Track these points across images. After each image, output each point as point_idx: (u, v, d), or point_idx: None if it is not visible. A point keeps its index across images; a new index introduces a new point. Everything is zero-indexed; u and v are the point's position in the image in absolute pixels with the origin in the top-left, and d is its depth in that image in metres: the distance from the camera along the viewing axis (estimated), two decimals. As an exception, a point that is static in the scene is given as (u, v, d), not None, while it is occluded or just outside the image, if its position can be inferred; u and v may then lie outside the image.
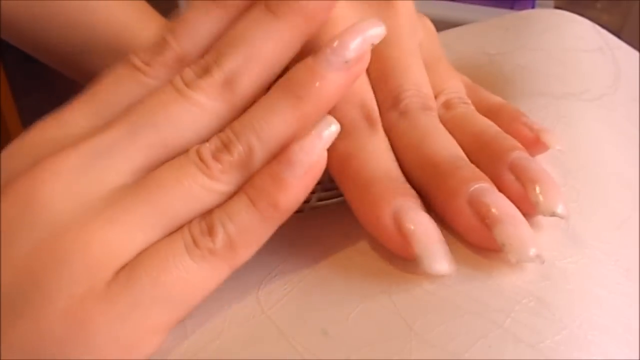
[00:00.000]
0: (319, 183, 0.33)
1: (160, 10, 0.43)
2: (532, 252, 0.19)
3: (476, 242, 0.20)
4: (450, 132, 0.23)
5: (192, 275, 0.19)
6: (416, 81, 0.24)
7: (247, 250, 0.20)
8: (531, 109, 0.28)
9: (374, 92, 0.24)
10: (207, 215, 0.19)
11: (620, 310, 0.19)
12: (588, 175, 0.24)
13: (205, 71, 0.20)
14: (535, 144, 0.23)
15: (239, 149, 0.19)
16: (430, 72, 0.25)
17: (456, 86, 0.26)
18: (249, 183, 0.20)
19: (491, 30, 0.36)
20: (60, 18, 0.38)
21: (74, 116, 0.21)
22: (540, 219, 0.21)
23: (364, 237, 0.22)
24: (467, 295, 0.19)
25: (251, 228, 0.19)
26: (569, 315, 0.18)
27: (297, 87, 0.20)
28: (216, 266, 0.19)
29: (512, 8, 0.86)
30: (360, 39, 0.20)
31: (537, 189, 0.20)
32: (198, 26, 0.21)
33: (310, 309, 0.20)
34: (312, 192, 0.32)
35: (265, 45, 0.20)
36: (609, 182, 0.24)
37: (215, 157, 0.19)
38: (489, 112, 0.25)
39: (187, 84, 0.20)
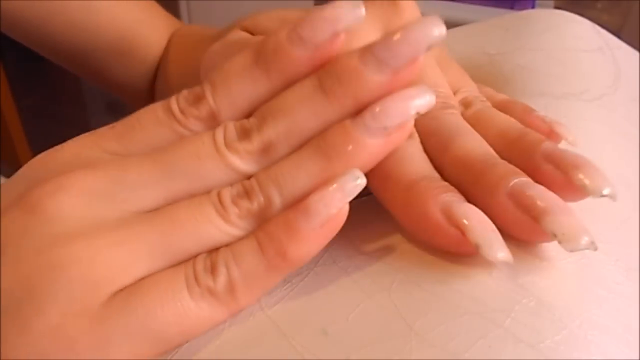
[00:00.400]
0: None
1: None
2: (585, 240, 0.18)
3: (523, 236, 0.20)
4: (474, 129, 0.23)
5: (188, 313, 0.18)
6: (434, 82, 0.24)
7: (247, 297, 0.19)
8: (531, 109, 0.28)
9: None
10: (213, 252, 0.19)
11: (620, 310, 0.19)
12: (588, 175, 0.24)
13: (246, 134, 0.20)
14: (549, 135, 0.23)
15: (259, 199, 0.19)
16: (443, 72, 0.25)
17: (470, 84, 0.26)
18: (261, 227, 0.19)
19: (491, 30, 0.36)
20: (62, 18, 0.38)
21: (103, 141, 0.21)
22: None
23: (364, 237, 0.22)
24: (467, 295, 0.19)
25: (255, 274, 0.19)
26: (568, 315, 0.18)
27: (330, 149, 0.19)
28: (214, 308, 0.19)
29: (512, 8, 0.86)
30: (405, 106, 0.19)
31: (581, 175, 0.20)
32: (238, 87, 0.21)
33: (310, 308, 0.20)
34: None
35: (310, 121, 0.20)
36: (609, 182, 0.24)
37: (235, 202, 0.19)
38: (500, 108, 0.25)
39: (226, 143, 0.20)
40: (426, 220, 0.20)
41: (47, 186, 0.19)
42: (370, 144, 0.19)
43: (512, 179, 0.20)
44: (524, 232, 0.20)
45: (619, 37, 0.34)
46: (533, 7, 0.88)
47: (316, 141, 0.20)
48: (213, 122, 0.21)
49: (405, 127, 0.20)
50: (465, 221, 0.19)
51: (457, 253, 0.20)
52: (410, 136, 0.22)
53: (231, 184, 0.20)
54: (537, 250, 0.20)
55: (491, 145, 0.22)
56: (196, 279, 0.19)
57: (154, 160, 0.20)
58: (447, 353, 0.17)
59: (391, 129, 0.19)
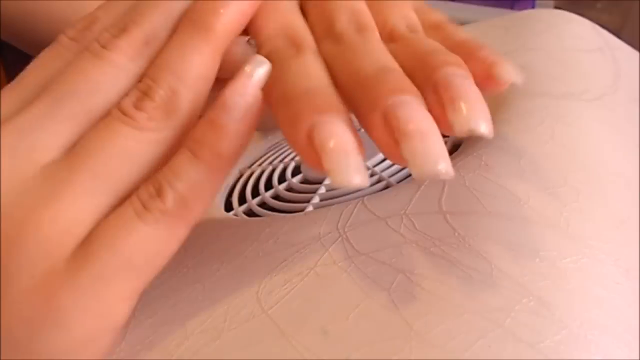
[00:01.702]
0: (320, 182, 0.33)
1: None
2: (440, 166, 0.17)
3: (392, 159, 0.19)
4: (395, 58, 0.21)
5: (148, 239, 0.18)
6: (351, 6, 0.22)
7: (201, 203, 0.19)
8: (531, 109, 0.28)
9: (309, 22, 0.22)
10: (153, 178, 0.19)
11: (620, 310, 0.19)
12: (588, 175, 0.24)
13: (123, 30, 0.20)
14: (487, 78, 0.20)
15: (160, 93, 0.19)
16: (373, 2, 0.23)
17: (403, 13, 0.23)
18: (189, 136, 0.19)
19: (491, 30, 0.36)
20: (47, 15, 0.38)
21: (4, 98, 0.20)
22: (540, 217, 0.21)
23: (363, 238, 0.22)
24: (467, 294, 0.19)
25: (200, 181, 0.19)
26: (569, 314, 0.18)
27: (202, 17, 0.20)
28: (172, 225, 0.19)
29: (512, 8, 0.86)
30: None
31: (462, 105, 0.18)
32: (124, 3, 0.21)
33: (310, 308, 0.20)
34: (314, 192, 0.32)
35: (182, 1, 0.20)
36: (609, 182, 0.24)
37: (138, 107, 0.19)
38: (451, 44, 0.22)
39: (103, 45, 0.20)
40: (295, 141, 0.19)
41: None
42: (238, 2, 0.20)
43: (391, 98, 0.18)
44: (390, 155, 0.18)
45: (619, 37, 0.34)
46: (533, 7, 0.88)
47: (188, 17, 0.20)
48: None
49: None
50: (322, 144, 0.18)
51: (323, 173, 0.18)
52: (300, 55, 0.21)
53: (127, 88, 0.20)
54: (537, 250, 0.20)
55: (405, 69, 0.20)
56: (145, 207, 0.19)
57: (45, 95, 0.19)
58: (447, 353, 0.17)
59: None
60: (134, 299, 0.19)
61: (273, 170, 0.37)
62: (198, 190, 0.19)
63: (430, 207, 0.23)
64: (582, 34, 0.34)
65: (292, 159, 0.39)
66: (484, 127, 0.18)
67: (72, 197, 0.18)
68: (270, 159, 0.41)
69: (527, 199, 0.22)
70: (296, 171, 0.36)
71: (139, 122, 0.19)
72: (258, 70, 0.19)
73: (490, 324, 0.18)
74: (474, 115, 0.18)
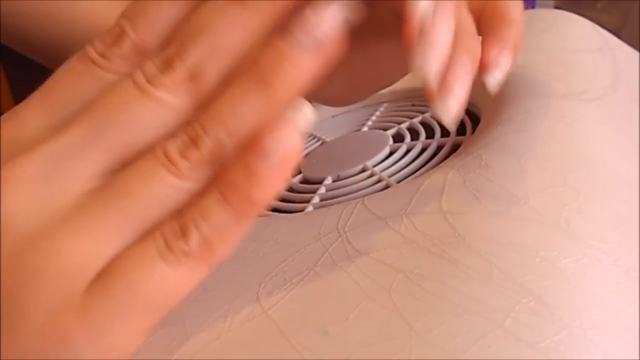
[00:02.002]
0: (320, 182, 0.33)
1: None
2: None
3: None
4: None
5: (168, 279, 0.18)
6: None
7: (225, 247, 0.19)
8: (531, 109, 0.28)
9: None
10: (179, 216, 0.19)
11: (620, 309, 0.19)
12: (588, 175, 0.24)
13: (168, 65, 0.19)
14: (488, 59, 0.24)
15: (207, 144, 0.18)
16: None
17: None
18: (220, 177, 0.19)
19: (491, 31, 0.36)
20: (38, 12, 0.38)
21: (30, 115, 0.19)
22: (540, 217, 0.21)
23: (363, 238, 0.22)
24: (467, 294, 0.19)
25: (226, 226, 0.18)
26: (569, 314, 0.18)
27: (265, 73, 0.18)
28: (193, 268, 0.18)
29: (512, 8, 0.86)
30: (330, 13, 0.19)
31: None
32: (157, 12, 0.20)
33: (310, 308, 0.20)
34: (314, 192, 0.32)
35: (231, 36, 0.19)
36: (609, 182, 0.24)
37: (183, 155, 0.18)
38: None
39: (149, 80, 0.19)
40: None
41: None
42: (305, 60, 0.19)
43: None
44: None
45: (619, 37, 0.35)
46: (533, 7, 0.88)
47: (249, 67, 0.19)
48: (140, 57, 0.19)
49: (338, 38, 0.19)
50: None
51: None
52: None
53: (169, 125, 0.19)
54: (537, 250, 0.20)
55: None
56: (168, 247, 0.18)
57: (84, 121, 0.18)
58: (447, 353, 0.17)
59: (324, 40, 0.19)
60: (146, 335, 0.19)
61: (273, 171, 0.37)
62: (224, 234, 0.18)
63: (430, 207, 0.23)
64: (582, 34, 0.34)
65: (292, 159, 0.39)
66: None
67: (98, 233, 0.18)
68: (270, 159, 0.41)
69: (527, 199, 0.22)
70: (296, 171, 0.36)
71: (181, 171, 0.18)
72: (301, 117, 0.19)
73: (490, 324, 0.18)
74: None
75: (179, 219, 0.18)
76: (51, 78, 0.20)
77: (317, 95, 0.33)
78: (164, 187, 0.18)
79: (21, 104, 0.20)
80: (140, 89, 0.19)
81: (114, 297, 0.18)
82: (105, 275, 0.18)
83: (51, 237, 0.18)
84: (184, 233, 0.18)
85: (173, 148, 0.18)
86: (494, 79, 0.23)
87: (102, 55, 0.19)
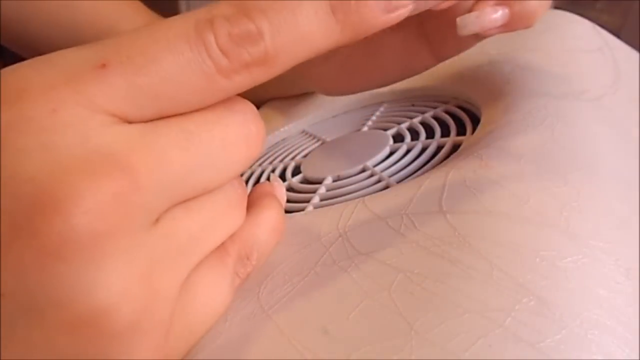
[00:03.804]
0: (320, 182, 0.33)
1: (160, 10, 0.43)
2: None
3: None
4: None
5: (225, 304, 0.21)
6: None
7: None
8: (531, 109, 0.28)
9: None
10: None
11: (620, 309, 0.19)
12: (588, 175, 0.24)
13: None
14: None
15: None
16: None
17: None
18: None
19: (491, 31, 0.36)
20: (43, 17, 0.38)
21: (106, 98, 0.16)
22: (540, 217, 0.21)
23: (364, 237, 0.22)
24: (467, 294, 0.19)
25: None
26: (569, 314, 0.18)
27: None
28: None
29: (512, 8, 0.86)
30: None
31: None
32: (300, 21, 0.18)
33: (310, 308, 0.20)
34: (314, 192, 0.32)
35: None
36: (609, 182, 0.24)
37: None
38: None
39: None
40: None
41: (85, 254, 0.15)
42: None
43: None
44: None
45: (619, 37, 0.35)
46: (533, 7, 0.87)
47: None
48: (262, 69, 0.18)
49: None
50: None
51: None
52: None
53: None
54: (537, 250, 0.20)
55: None
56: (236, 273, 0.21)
57: (181, 154, 0.17)
58: (447, 352, 0.17)
59: None
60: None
61: (273, 170, 0.37)
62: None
63: (430, 206, 0.23)
64: (582, 34, 0.34)
65: (292, 158, 0.39)
66: None
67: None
68: (270, 159, 0.41)
69: (527, 199, 0.22)
70: (296, 171, 0.36)
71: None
72: None
73: (490, 323, 0.18)
74: None
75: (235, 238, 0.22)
76: (144, 52, 0.16)
77: (312, 77, 0.33)
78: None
79: (97, 71, 0.16)
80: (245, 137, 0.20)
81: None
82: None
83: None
84: (248, 257, 0.23)
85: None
86: (467, 23, 0.25)
87: (225, 54, 0.17)
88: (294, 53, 0.18)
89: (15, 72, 0.16)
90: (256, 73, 0.17)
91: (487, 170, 0.25)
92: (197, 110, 0.18)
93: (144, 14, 0.41)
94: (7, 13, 0.37)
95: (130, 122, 0.16)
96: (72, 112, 0.15)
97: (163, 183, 0.16)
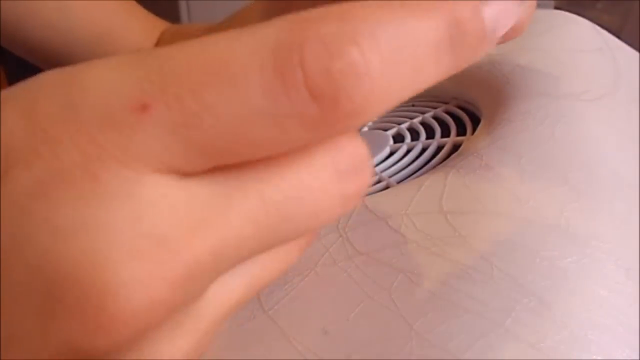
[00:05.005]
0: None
1: (161, 10, 0.43)
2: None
3: None
4: None
5: None
6: None
7: None
8: (531, 109, 0.28)
9: None
10: None
11: (620, 309, 0.19)
12: (588, 175, 0.24)
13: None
14: None
15: None
16: None
17: None
18: None
19: (491, 31, 0.36)
20: (37, 19, 0.38)
21: (159, 154, 0.12)
22: (540, 217, 0.21)
23: (364, 237, 0.22)
24: (468, 294, 0.19)
25: None
26: (569, 314, 0.18)
27: None
28: None
29: (512, 8, 0.86)
30: None
31: None
32: (408, 70, 0.13)
33: (310, 308, 0.20)
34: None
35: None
36: (609, 182, 0.24)
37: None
38: None
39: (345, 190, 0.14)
40: None
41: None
42: None
43: None
44: None
45: (619, 37, 0.35)
46: (533, 7, 0.88)
47: None
48: (359, 119, 0.13)
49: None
50: None
51: None
52: None
53: None
54: (537, 250, 0.20)
55: None
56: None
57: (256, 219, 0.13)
58: (448, 353, 0.17)
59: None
60: None
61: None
62: None
63: (430, 207, 0.23)
64: (582, 34, 0.34)
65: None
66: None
67: None
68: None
69: (527, 199, 0.22)
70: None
71: None
72: None
73: (490, 323, 0.18)
74: None
75: None
76: (198, 97, 0.12)
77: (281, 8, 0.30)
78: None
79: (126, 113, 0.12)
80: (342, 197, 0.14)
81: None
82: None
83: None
84: None
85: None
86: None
87: (317, 99, 0.12)
88: (398, 95, 0.13)
89: (39, 108, 0.12)
90: (350, 124, 0.13)
91: (487, 170, 0.25)
92: (270, 160, 0.13)
93: (140, 16, 0.41)
94: (5, 16, 0.37)
95: (185, 175, 0.13)
96: (117, 177, 0.12)
97: (229, 263, 0.13)
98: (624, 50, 0.34)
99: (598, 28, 0.35)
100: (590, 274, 0.20)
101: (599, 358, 0.17)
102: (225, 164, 0.13)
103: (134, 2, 0.41)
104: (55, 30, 0.38)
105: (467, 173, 0.25)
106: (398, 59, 0.12)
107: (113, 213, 0.12)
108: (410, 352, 0.17)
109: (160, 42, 0.40)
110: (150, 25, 0.41)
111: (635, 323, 0.19)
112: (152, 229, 0.12)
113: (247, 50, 0.12)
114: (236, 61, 0.12)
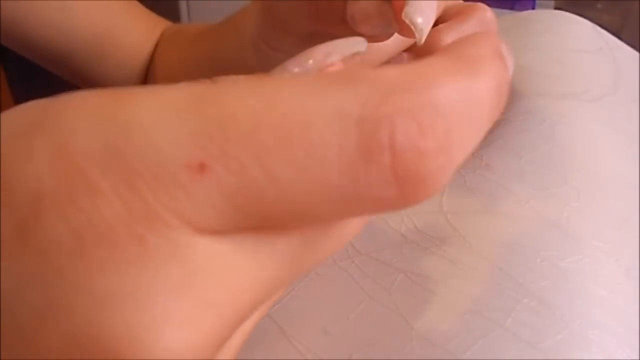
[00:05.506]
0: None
1: (161, 10, 0.43)
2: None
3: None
4: None
5: None
6: None
7: None
8: (531, 109, 0.28)
9: None
10: None
11: (620, 309, 0.19)
12: (588, 175, 0.24)
13: None
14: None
15: None
16: None
17: None
18: None
19: (491, 31, 0.36)
20: (38, 18, 0.38)
21: (205, 215, 0.11)
22: (540, 217, 0.21)
23: (364, 238, 0.22)
24: (468, 294, 0.19)
25: None
26: (569, 314, 0.18)
27: None
28: None
29: (512, 9, 0.86)
30: None
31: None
32: (467, 131, 0.12)
33: (311, 308, 0.20)
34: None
35: None
36: (609, 182, 0.24)
37: None
38: None
39: None
40: None
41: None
42: None
43: None
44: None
45: (619, 37, 0.35)
46: (533, 7, 0.88)
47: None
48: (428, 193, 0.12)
49: None
50: None
51: None
52: None
53: None
54: (537, 250, 0.20)
55: None
56: None
57: None
58: (448, 353, 0.17)
59: None
60: None
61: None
62: None
63: (430, 207, 0.23)
64: (582, 34, 0.34)
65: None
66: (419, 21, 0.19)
67: None
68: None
69: (527, 199, 0.22)
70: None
71: None
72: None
73: (491, 323, 0.18)
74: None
75: None
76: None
77: (277, 10, 0.28)
78: None
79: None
80: None
81: None
82: None
83: None
84: None
85: None
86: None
87: (400, 181, 0.11)
88: (460, 157, 0.12)
89: (76, 146, 0.11)
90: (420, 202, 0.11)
91: (488, 170, 0.25)
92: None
93: (142, 16, 0.41)
94: (6, 15, 0.37)
95: (224, 233, 0.11)
96: (165, 241, 0.11)
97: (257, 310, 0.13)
98: (624, 50, 0.34)
99: (598, 28, 0.35)
100: (590, 274, 0.20)
101: (599, 358, 0.17)
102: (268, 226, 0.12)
103: (135, 2, 0.41)
104: (56, 29, 0.38)
105: (467, 173, 0.25)
106: (469, 126, 0.12)
107: (162, 281, 0.11)
108: (410, 352, 0.17)
109: (160, 42, 0.40)
110: (151, 25, 0.41)
111: (635, 323, 0.19)
112: (202, 295, 0.11)
113: (324, 117, 0.10)
114: (311, 129, 0.10)
